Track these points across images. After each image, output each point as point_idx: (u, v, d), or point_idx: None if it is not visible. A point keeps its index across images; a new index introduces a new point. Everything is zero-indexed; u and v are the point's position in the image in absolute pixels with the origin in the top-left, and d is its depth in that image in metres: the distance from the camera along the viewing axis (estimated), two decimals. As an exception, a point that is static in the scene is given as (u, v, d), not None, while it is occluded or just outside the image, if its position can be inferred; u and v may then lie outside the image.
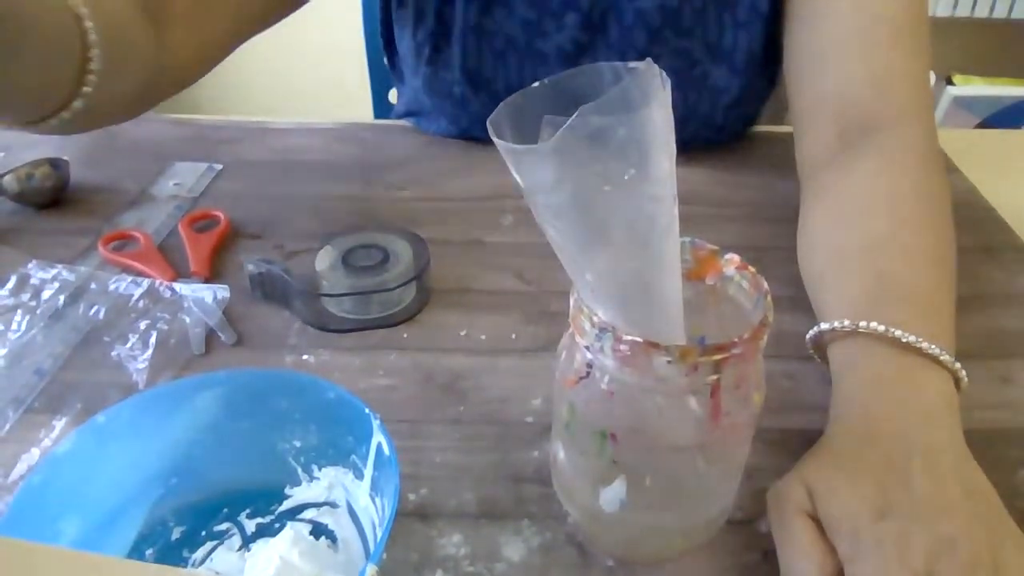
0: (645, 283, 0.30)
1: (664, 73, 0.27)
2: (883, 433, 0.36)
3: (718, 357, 0.29)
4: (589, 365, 0.32)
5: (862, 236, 0.48)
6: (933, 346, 0.39)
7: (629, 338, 0.29)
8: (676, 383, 0.30)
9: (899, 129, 0.54)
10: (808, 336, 0.44)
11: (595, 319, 0.30)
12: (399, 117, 0.81)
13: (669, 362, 0.29)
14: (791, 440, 0.42)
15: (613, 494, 0.34)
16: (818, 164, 0.56)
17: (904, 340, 0.39)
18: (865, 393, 0.39)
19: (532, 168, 0.27)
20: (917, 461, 0.34)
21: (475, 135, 0.74)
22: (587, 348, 0.31)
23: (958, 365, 0.39)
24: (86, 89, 0.40)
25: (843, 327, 0.41)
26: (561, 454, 0.37)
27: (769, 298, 0.32)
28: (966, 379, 0.39)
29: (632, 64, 0.27)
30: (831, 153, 0.56)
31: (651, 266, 0.30)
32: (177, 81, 0.51)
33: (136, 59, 0.45)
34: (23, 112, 0.40)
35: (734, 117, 0.72)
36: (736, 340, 0.29)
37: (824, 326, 0.42)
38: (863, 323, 0.40)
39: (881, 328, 0.39)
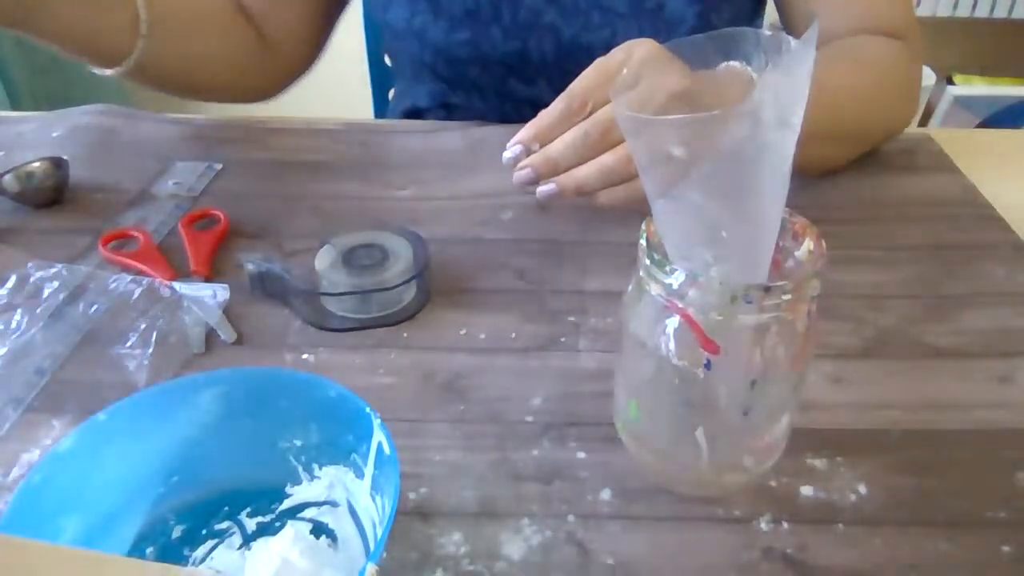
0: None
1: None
2: None
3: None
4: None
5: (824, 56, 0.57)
6: None
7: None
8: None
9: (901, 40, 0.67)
10: None
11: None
12: (397, 116, 0.81)
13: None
14: (791, 438, 0.42)
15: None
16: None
17: None
18: None
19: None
20: None
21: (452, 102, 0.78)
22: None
23: None
24: (140, 42, 0.57)
25: None
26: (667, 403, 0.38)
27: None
28: None
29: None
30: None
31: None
32: (281, 66, 0.71)
33: (201, 26, 0.63)
34: (94, 56, 0.57)
35: None
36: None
37: None
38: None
39: None
